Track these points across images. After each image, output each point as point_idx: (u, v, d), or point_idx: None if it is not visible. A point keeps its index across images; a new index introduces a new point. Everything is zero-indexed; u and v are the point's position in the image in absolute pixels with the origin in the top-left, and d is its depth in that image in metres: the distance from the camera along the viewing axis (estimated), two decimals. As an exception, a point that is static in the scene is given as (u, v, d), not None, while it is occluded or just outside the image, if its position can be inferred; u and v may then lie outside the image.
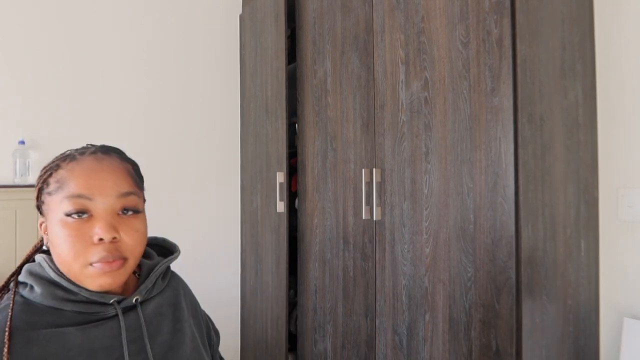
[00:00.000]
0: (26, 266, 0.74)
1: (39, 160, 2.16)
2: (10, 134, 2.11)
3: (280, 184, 1.97)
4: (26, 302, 0.69)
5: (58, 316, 0.68)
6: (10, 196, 2.06)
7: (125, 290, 0.78)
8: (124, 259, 0.70)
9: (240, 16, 2.58)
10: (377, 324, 1.50)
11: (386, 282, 1.46)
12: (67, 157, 0.73)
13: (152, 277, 0.79)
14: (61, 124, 2.22)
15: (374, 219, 1.50)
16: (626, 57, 1.35)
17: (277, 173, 1.99)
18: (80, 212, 0.68)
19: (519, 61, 1.10)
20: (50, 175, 0.72)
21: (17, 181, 2.07)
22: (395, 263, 1.42)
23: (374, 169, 1.50)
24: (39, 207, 0.74)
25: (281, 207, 1.97)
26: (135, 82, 2.39)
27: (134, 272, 0.82)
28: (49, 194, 0.71)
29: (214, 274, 2.48)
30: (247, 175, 2.44)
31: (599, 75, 1.41)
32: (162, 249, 0.89)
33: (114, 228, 0.69)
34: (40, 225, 0.75)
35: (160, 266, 0.81)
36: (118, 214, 0.71)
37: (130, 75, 2.38)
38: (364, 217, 1.53)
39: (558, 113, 1.24)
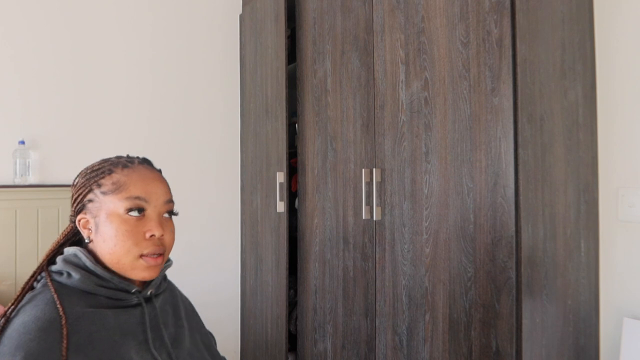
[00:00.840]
0: (61, 257, 0.84)
1: (39, 160, 2.16)
2: (10, 134, 2.10)
3: (280, 184, 1.97)
4: (63, 286, 0.79)
5: (93, 299, 0.80)
6: (10, 196, 2.06)
7: (137, 284, 0.89)
8: (163, 254, 0.84)
9: (240, 16, 2.58)
10: (377, 324, 1.50)
11: (386, 282, 1.46)
12: (119, 164, 0.86)
13: (161, 275, 0.92)
14: (61, 124, 2.22)
15: (374, 219, 1.50)
16: (626, 57, 1.35)
17: (277, 173, 1.99)
18: (138, 210, 0.82)
19: (519, 61, 1.10)
20: (104, 177, 0.84)
21: (17, 181, 2.07)
22: (395, 263, 1.42)
23: (374, 169, 1.50)
24: (82, 205, 0.85)
25: (281, 207, 1.97)
26: (135, 82, 2.39)
27: None
28: (104, 193, 0.83)
29: (214, 274, 2.48)
30: (247, 175, 2.44)
31: (599, 75, 1.40)
32: None
33: (162, 227, 0.83)
34: (79, 222, 0.85)
35: (166, 267, 0.94)
36: (163, 216, 0.85)
37: (131, 76, 2.38)
38: (364, 217, 1.53)
39: (558, 113, 1.24)
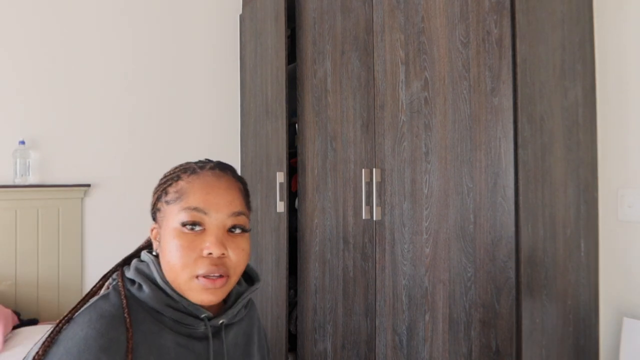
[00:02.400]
0: (135, 263, 0.76)
1: (39, 160, 2.16)
2: (10, 134, 2.11)
3: (280, 184, 1.97)
4: (134, 298, 0.72)
5: (159, 318, 0.72)
6: (10, 196, 2.06)
7: (210, 311, 0.78)
8: (228, 277, 0.72)
9: (240, 16, 2.58)
10: (377, 324, 1.50)
11: (386, 282, 1.46)
12: (188, 170, 0.76)
13: (239, 304, 0.81)
14: (61, 124, 2.22)
15: (374, 219, 1.50)
16: (626, 57, 1.36)
17: (277, 173, 1.99)
18: (195, 224, 0.71)
19: (519, 61, 1.10)
20: (171, 185, 0.75)
21: (17, 181, 2.07)
22: (395, 263, 1.42)
23: (374, 169, 1.50)
24: (154, 214, 0.77)
25: (281, 207, 1.97)
26: (135, 82, 2.39)
27: None
28: (167, 202, 0.74)
29: (214, 274, 2.48)
30: (247, 175, 2.44)
31: (599, 75, 1.41)
32: (246, 275, 0.90)
33: (223, 244, 0.71)
34: (152, 230, 0.78)
35: (247, 294, 0.83)
36: (228, 232, 0.73)
37: (131, 76, 2.38)
38: (364, 217, 1.53)
39: (558, 113, 1.24)
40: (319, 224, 1.80)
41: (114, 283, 0.74)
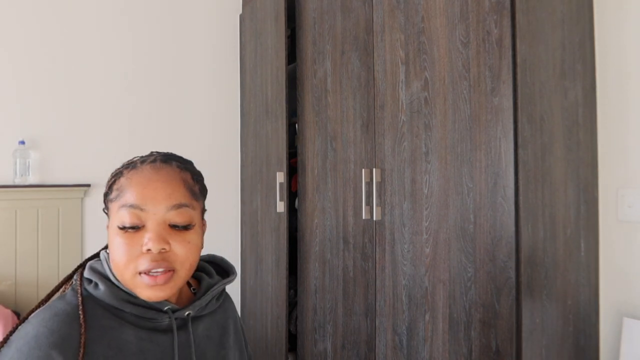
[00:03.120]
0: (90, 263, 0.75)
1: (39, 160, 2.16)
2: (10, 134, 2.11)
3: (280, 184, 1.97)
4: (91, 296, 0.71)
5: (118, 314, 0.70)
6: (10, 196, 2.06)
7: (179, 303, 0.78)
8: (172, 271, 0.69)
9: (240, 16, 2.58)
10: (377, 324, 1.50)
11: (386, 282, 1.46)
12: (130, 165, 0.74)
13: (208, 295, 0.79)
14: (61, 124, 2.22)
15: (374, 219, 1.50)
16: (626, 57, 1.36)
17: (277, 173, 1.99)
18: (133, 227, 0.69)
19: (519, 61, 1.10)
20: (114, 182, 0.73)
21: (17, 181, 2.07)
22: (395, 263, 1.42)
23: (374, 169, 1.50)
24: (105, 213, 0.76)
25: (281, 207, 1.97)
26: (135, 82, 2.39)
27: (191, 287, 0.83)
28: (110, 200, 0.73)
29: (214, 274, 2.48)
30: (247, 175, 2.44)
31: (599, 75, 1.41)
32: (220, 268, 0.90)
33: (163, 239, 0.68)
34: (107, 228, 0.76)
35: (218, 286, 0.81)
36: (170, 225, 0.70)
37: (131, 76, 2.38)
38: (364, 217, 1.53)
39: (558, 113, 1.24)
40: (319, 224, 1.80)
41: (74, 284, 0.73)
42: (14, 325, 0.66)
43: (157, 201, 0.69)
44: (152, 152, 0.77)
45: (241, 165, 2.54)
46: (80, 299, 0.68)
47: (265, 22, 2.18)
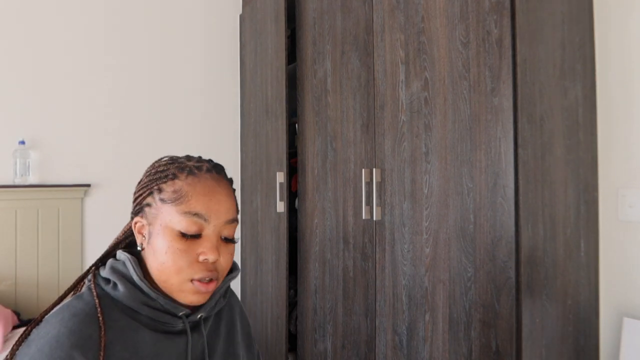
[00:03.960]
0: (111, 262, 0.75)
1: (39, 160, 2.16)
2: (10, 134, 2.11)
3: (280, 184, 1.97)
4: (108, 296, 0.72)
5: (135, 317, 0.71)
6: (10, 196, 2.06)
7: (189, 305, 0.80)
8: (217, 280, 0.73)
9: (240, 16, 2.58)
10: (377, 324, 1.50)
11: (386, 282, 1.46)
12: (184, 169, 0.74)
13: (217, 295, 0.81)
14: (61, 124, 2.22)
15: (374, 219, 1.50)
16: (626, 57, 1.35)
17: (277, 173, 1.99)
18: (193, 235, 0.71)
19: (518, 61, 1.10)
20: (166, 182, 0.73)
21: (17, 181, 2.07)
22: (395, 263, 1.42)
23: (374, 169, 1.50)
24: (140, 208, 0.76)
25: (281, 207, 1.97)
26: (135, 82, 2.39)
27: None
28: (163, 200, 0.72)
29: (214, 274, 2.48)
30: (247, 175, 2.44)
31: (599, 75, 1.41)
32: None
33: (218, 251, 0.72)
34: (135, 224, 0.76)
35: (224, 285, 0.83)
36: (221, 238, 0.74)
37: (131, 76, 2.38)
38: (364, 217, 1.53)
39: (558, 113, 1.24)
40: (319, 224, 1.80)
41: (88, 283, 0.73)
42: (31, 325, 0.66)
43: (220, 214, 0.73)
44: (198, 157, 0.79)
45: (241, 165, 2.54)
46: (97, 300, 0.69)
47: (265, 22, 2.18)
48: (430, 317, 1.30)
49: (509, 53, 1.10)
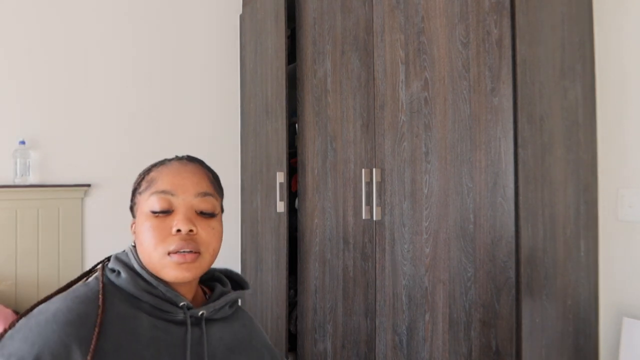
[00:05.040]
0: (116, 254, 0.80)
1: (39, 160, 2.16)
2: (10, 134, 2.11)
3: (280, 184, 1.97)
4: (112, 284, 0.75)
5: (136, 304, 0.74)
6: (10, 196, 2.06)
7: (194, 304, 0.81)
8: (198, 253, 0.74)
9: (240, 16, 2.58)
10: (377, 324, 1.50)
11: (386, 282, 1.46)
12: (159, 163, 0.81)
13: (222, 300, 0.82)
14: (61, 124, 2.22)
15: (374, 219, 1.50)
16: (626, 57, 1.36)
17: (277, 173, 1.99)
18: (163, 211, 0.75)
19: (518, 61, 1.10)
20: (143, 178, 0.80)
21: (17, 181, 2.08)
22: (395, 263, 1.43)
23: (374, 169, 1.50)
24: (132, 209, 0.82)
25: (281, 207, 1.97)
26: (135, 82, 2.39)
27: (205, 294, 0.87)
28: (140, 193, 0.79)
29: (214, 274, 2.48)
30: (247, 175, 2.44)
31: (599, 75, 1.41)
32: (234, 283, 0.93)
33: (191, 221, 0.74)
34: (132, 226, 0.82)
35: (232, 294, 0.85)
36: (196, 212, 0.76)
37: (131, 76, 2.38)
38: (364, 217, 1.53)
39: (558, 113, 1.24)
40: (319, 224, 1.80)
41: (96, 273, 0.77)
42: (34, 305, 0.69)
43: (186, 187, 0.76)
44: (176, 156, 0.84)
45: (241, 165, 2.54)
46: (101, 285, 0.72)
47: (265, 22, 2.18)
48: (430, 317, 1.31)
49: (509, 53, 1.10)
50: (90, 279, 0.77)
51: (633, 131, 1.34)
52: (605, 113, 1.39)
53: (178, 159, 0.82)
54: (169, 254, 0.73)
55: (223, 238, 0.82)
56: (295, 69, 1.97)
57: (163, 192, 0.75)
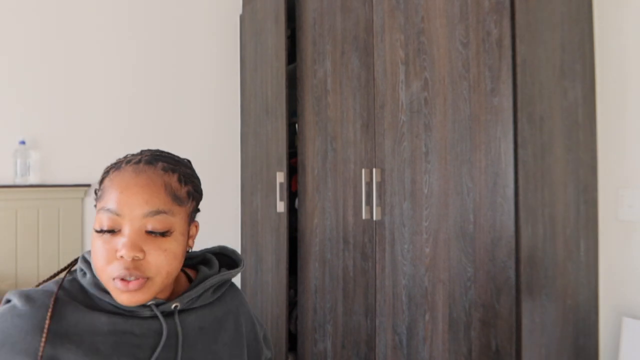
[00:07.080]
0: (83, 253, 0.76)
1: (39, 160, 2.16)
2: (11, 134, 2.11)
3: (280, 184, 1.97)
4: (76, 281, 0.73)
5: (98, 304, 0.71)
6: (10, 196, 2.06)
7: (175, 293, 0.76)
8: (146, 279, 0.67)
9: (240, 16, 2.58)
10: (377, 323, 1.50)
11: (386, 282, 1.46)
12: (116, 165, 0.73)
13: (200, 288, 0.76)
14: (62, 124, 2.22)
15: (374, 219, 1.50)
16: (626, 57, 1.36)
17: (277, 173, 1.99)
18: (109, 231, 0.68)
19: (518, 61, 1.10)
20: (102, 181, 0.73)
21: (18, 181, 2.08)
22: (395, 263, 1.43)
23: (374, 169, 1.50)
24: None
25: (281, 207, 1.97)
26: (135, 82, 2.39)
27: (189, 279, 0.81)
28: (97, 200, 0.72)
29: (214, 274, 2.48)
30: (247, 175, 2.44)
31: (599, 75, 1.41)
32: (230, 260, 0.88)
33: (137, 247, 0.66)
34: None
35: (213, 279, 0.78)
36: (146, 232, 0.68)
37: (131, 76, 2.38)
38: (364, 217, 1.53)
39: (558, 113, 1.24)
40: (319, 224, 1.80)
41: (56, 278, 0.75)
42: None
43: (134, 207, 0.67)
44: (142, 151, 0.76)
45: (241, 165, 2.54)
46: (61, 281, 0.71)
47: (265, 22, 2.18)
48: (430, 317, 1.31)
49: (509, 53, 1.10)
50: (50, 282, 0.73)
51: (633, 131, 1.34)
52: (605, 113, 1.39)
53: (135, 162, 0.72)
54: (113, 279, 0.66)
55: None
56: (295, 69, 1.97)
57: (108, 210, 0.67)
